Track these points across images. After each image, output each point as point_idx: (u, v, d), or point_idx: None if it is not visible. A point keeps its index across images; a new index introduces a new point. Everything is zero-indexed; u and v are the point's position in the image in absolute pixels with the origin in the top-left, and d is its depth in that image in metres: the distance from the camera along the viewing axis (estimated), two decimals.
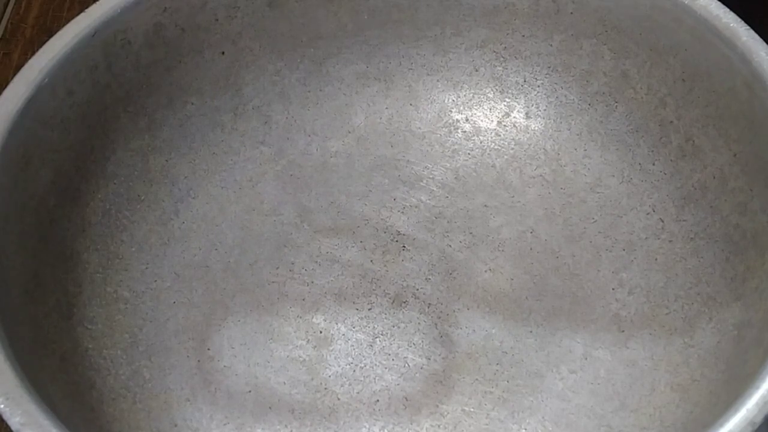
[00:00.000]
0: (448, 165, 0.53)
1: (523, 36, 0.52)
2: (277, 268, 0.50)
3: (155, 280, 0.48)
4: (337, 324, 0.48)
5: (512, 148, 0.53)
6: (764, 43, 0.43)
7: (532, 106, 0.53)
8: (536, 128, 0.53)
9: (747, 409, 0.35)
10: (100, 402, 0.42)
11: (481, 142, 0.53)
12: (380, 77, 0.54)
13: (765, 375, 0.36)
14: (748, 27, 0.44)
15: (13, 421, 0.34)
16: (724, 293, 0.43)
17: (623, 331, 0.46)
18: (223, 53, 0.50)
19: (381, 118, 0.54)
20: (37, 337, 0.41)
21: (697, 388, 0.42)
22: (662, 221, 0.48)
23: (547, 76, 0.52)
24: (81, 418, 0.40)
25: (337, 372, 0.46)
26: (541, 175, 0.52)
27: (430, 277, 0.49)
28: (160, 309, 0.47)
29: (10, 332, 0.37)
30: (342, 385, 0.46)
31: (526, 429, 0.44)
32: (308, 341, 0.47)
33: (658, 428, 0.42)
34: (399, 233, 0.51)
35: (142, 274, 0.48)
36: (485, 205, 0.51)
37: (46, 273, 0.43)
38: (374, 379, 0.46)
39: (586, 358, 0.46)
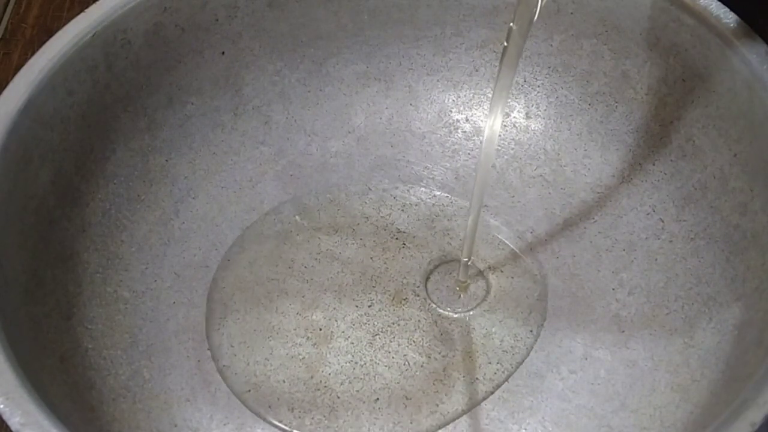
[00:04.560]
0: (448, 165, 0.53)
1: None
2: (277, 265, 0.50)
3: (155, 280, 0.48)
4: (336, 321, 0.48)
5: (512, 148, 0.53)
6: (764, 43, 0.43)
7: (532, 106, 0.53)
8: (536, 128, 0.53)
9: (747, 409, 0.34)
10: (100, 402, 0.42)
11: (481, 142, 0.53)
12: (380, 77, 0.54)
13: (765, 375, 0.36)
14: (748, 27, 0.44)
15: (13, 421, 0.34)
16: (725, 293, 0.43)
17: (623, 332, 0.46)
18: (223, 53, 0.50)
19: (381, 118, 0.54)
20: (37, 337, 0.41)
21: (698, 389, 0.42)
22: (662, 221, 0.48)
23: (547, 76, 0.52)
24: (81, 418, 0.40)
25: (337, 370, 0.46)
26: (541, 175, 0.52)
27: (431, 275, 0.49)
28: (160, 309, 0.47)
29: (10, 332, 0.37)
30: (342, 383, 0.46)
31: (526, 429, 0.44)
32: (308, 339, 0.47)
33: (658, 428, 0.42)
34: (399, 231, 0.51)
35: (142, 274, 0.48)
36: (485, 205, 0.52)
37: (46, 273, 0.43)
38: (374, 377, 0.46)
39: (586, 359, 0.46)
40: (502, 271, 0.49)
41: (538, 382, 0.46)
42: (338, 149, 0.54)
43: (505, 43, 0.38)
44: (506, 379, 0.46)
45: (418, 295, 0.49)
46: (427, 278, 0.50)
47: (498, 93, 0.40)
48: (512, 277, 0.49)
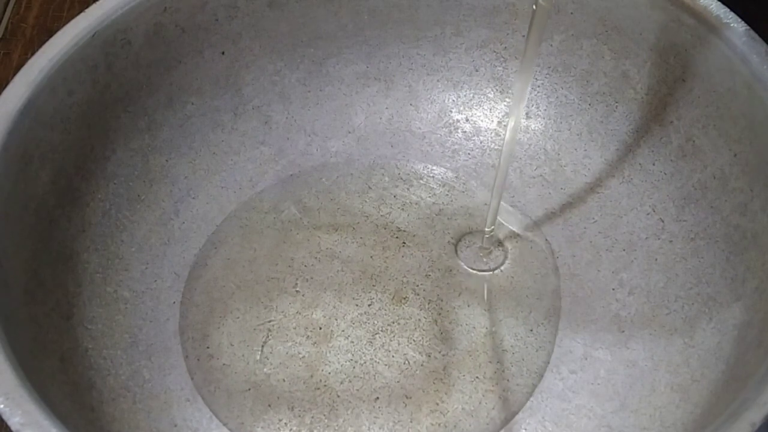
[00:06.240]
0: (449, 165, 0.53)
1: (523, 36, 0.52)
2: (277, 264, 0.50)
3: (155, 280, 0.48)
4: (336, 320, 0.48)
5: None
6: (764, 43, 0.43)
7: (532, 106, 0.53)
8: (536, 128, 0.53)
9: (747, 410, 0.34)
10: (100, 402, 0.42)
11: (481, 142, 0.53)
12: (380, 77, 0.54)
13: (765, 375, 0.36)
14: (748, 27, 0.44)
15: (13, 421, 0.34)
16: (724, 293, 0.43)
17: (623, 332, 0.46)
18: (223, 53, 0.50)
19: (381, 118, 0.54)
20: (37, 337, 0.41)
21: (698, 389, 0.42)
22: (662, 221, 0.48)
23: (547, 76, 0.52)
24: (81, 418, 0.40)
25: (337, 369, 0.46)
26: (541, 175, 0.52)
27: (431, 273, 0.49)
28: (160, 309, 0.47)
29: (10, 332, 0.37)
30: (342, 382, 0.46)
31: (526, 429, 0.44)
32: (308, 338, 0.47)
33: (658, 429, 0.42)
34: (399, 229, 0.51)
35: (142, 274, 0.48)
36: (485, 204, 0.52)
37: (46, 273, 0.43)
38: (374, 375, 0.46)
39: (586, 359, 0.46)
40: (502, 270, 0.49)
41: (538, 381, 0.46)
42: (338, 149, 0.54)
43: (534, 7, 0.38)
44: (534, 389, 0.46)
45: (418, 295, 0.49)
46: (457, 244, 0.50)
47: (528, 53, 0.40)
48: (512, 277, 0.49)
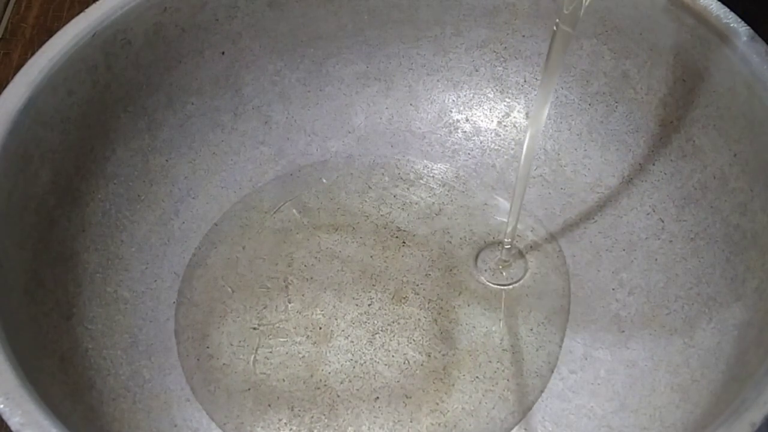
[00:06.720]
0: (449, 164, 0.53)
1: (523, 36, 0.52)
2: (277, 264, 0.50)
3: (155, 280, 0.48)
4: (336, 320, 0.48)
5: (512, 148, 0.53)
6: (764, 43, 0.43)
7: (533, 106, 0.53)
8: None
9: (747, 409, 0.34)
10: (100, 402, 0.42)
11: (481, 142, 0.53)
12: (380, 77, 0.54)
13: (765, 375, 0.36)
14: (748, 27, 0.44)
15: (13, 421, 0.34)
16: (724, 293, 0.43)
17: (623, 332, 0.46)
18: (223, 53, 0.50)
19: (381, 118, 0.54)
20: (37, 337, 0.41)
21: (697, 389, 0.42)
22: (662, 221, 0.48)
23: None
24: (81, 418, 0.40)
25: (337, 368, 0.46)
26: (541, 175, 0.52)
27: (431, 273, 0.49)
28: (160, 309, 0.47)
29: (10, 332, 0.37)
30: (342, 382, 0.46)
31: (526, 429, 0.44)
32: (308, 337, 0.47)
33: (658, 429, 0.42)
34: (399, 229, 0.51)
35: (142, 274, 0.48)
36: (485, 204, 0.52)
37: (46, 273, 0.43)
38: (374, 375, 0.46)
39: (586, 359, 0.46)
40: (502, 271, 0.50)
41: (538, 381, 0.46)
42: (338, 149, 0.54)
43: (554, 29, 0.38)
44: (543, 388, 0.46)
45: (418, 294, 0.49)
46: (476, 257, 0.50)
47: (548, 73, 0.41)
48: (513, 276, 0.49)
